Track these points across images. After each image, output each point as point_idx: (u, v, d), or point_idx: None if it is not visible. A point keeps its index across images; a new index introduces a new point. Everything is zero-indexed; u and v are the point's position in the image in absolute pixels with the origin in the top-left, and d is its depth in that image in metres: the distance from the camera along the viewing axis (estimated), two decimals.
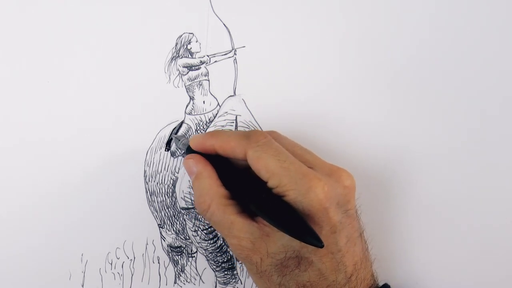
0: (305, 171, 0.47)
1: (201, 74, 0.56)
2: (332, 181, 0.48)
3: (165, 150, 0.56)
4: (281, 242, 0.47)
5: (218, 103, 0.56)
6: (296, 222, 0.45)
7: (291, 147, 0.50)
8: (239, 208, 0.49)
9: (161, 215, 0.56)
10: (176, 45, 0.55)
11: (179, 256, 0.57)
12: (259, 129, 0.56)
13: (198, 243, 0.57)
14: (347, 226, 0.48)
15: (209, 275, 0.57)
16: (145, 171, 0.55)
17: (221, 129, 0.56)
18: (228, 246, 0.57)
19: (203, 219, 0.56)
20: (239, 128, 0.56)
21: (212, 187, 0.49)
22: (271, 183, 0.47)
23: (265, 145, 0.48)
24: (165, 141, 0.56)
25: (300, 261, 0.47)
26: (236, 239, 0.48)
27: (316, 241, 0.44)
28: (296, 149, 0.51)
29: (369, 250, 0.51)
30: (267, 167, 0.47)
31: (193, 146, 0.51)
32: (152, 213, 0.56)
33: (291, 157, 0.48)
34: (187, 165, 0.51)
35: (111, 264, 0.56)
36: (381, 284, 0.52)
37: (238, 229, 0.48)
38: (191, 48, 0.55)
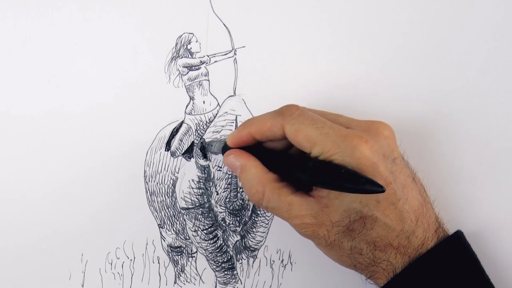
0: (345, 133, 0.47)
1: (201, 74, 0.56)
2: (372, 135, 0.48)
3: (165, 150, 0.56)
4: (342, 208, 0.47)
5: (218, 103, 0.56)
6: (351, 177, 0.45)
7: (322, 114, 0.50)
8: (293, 188, 0.49)
9: (161, 215, 0.56)
10: (176, 45, 0.55)
11: (179, 256, 0.57)
12: None
13: (198, 243, 0.57)
14: (399, 174, 0.49)
15: (209, 275, 0.57)
16: (145, 171, 0.55)
17: (221, 128, 0.56)
18: (227, 246, 0.57)
19: (203, 219, 0.56)
20: None
21: (261, 174, 0.49)
22: (314, 152, 0.47)
23: (300, 116, 0.48)
24: (165, 141, 0.56)
25: (365, 221, 0.48)
26: (298, 219, 0.48)
27: (376, 187, 0.44)
28: (327, 115, 0.51)
29: (427, 192, 0.51)
30: (308, 137, 0.47)
31: (231, 143, 0.51)
32: (152, 213, 0.56)
33: (328, 122, 0.48)
34: (229, 162, 0.51)
35: (111, 264, 0.56)
36: (452, 231, 0.51)
37: (298, 207, 0.48)
38: (191, 48, 0.55)
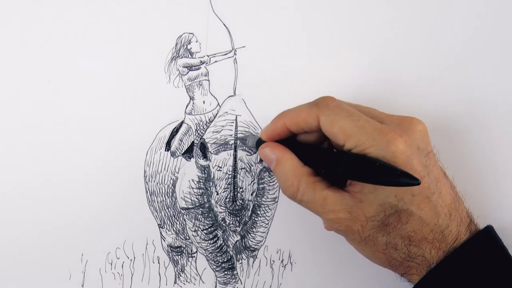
0: (380, 127, 0.47)
1: (201, 74, 0.56)
2: (406, 129, 0.48)
3: (165, 150, 0.56)
4: (377, 202, 0.47)
5: (218, 103, 0.56)
6: (386, 170, 0.45)
7: (356, 106, 0.50)
8: (327, 183, 0.49)
9: (161, 215, 0.56)
10: (176, 45, 0.55)
11: (179, 256, 0.57)
12: (259, 129, 0.56)
13: (198, 243, 0.57)
14: (432, 168, 0.49)
15: (209, 275, 0.57)
16: (145, 171, 0.56)
17: (221, 128, 0.56)
18: (227, 246, 0.57)
19: (203, 219, 0.56)
20: (239, 128, 0.56)
21: (297, 167, 0.49)
22: (349, 144, 0.47)
23: (336, 108, 0.48)
24: (165, 141, 0.56)
25: (400, 215, 0.48)
26: (332, 213, 0.48)
27: (412, 180, 0.44)
28: (361, 108, 0.51)
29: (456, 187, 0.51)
30: (343, 129, 0.47)
31: (266, 136, 0.51)
32: (152, 213, 0.56)
33: (363, 115, 0.48)
34: (264, 154, 0.51)
35: (111, 264, 0.56)
36: (482, 226, 0.51)
37: (332, 202, 0.48)
38: (191, 48, 0.55)
